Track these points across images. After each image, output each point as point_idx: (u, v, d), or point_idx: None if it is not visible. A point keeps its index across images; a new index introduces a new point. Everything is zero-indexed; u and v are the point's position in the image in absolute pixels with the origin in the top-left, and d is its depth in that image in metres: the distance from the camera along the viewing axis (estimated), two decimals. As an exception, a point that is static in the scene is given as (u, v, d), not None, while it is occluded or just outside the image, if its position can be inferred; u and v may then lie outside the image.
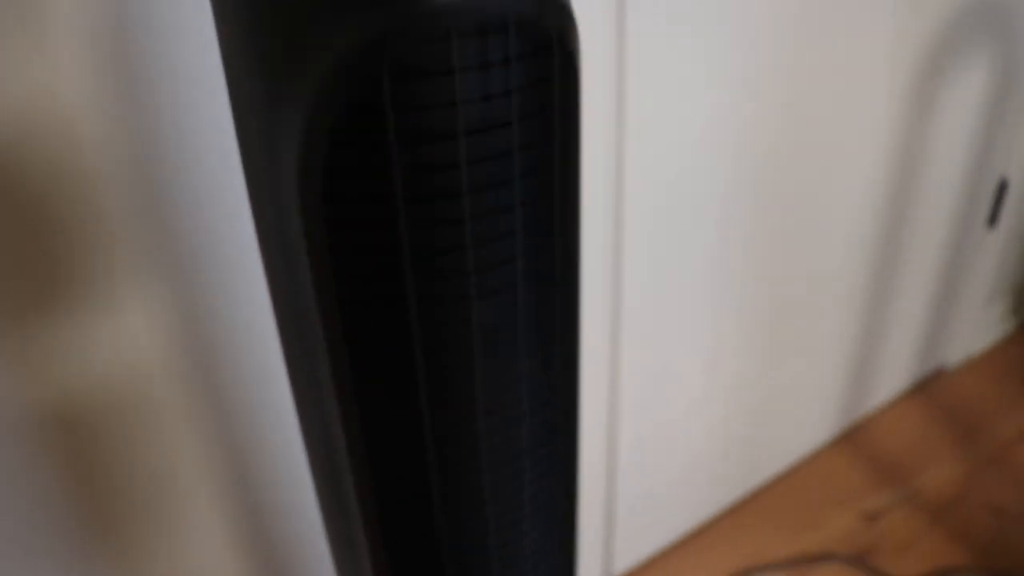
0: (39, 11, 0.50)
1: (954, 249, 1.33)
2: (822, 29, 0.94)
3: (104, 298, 0.59)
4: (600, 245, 0.87)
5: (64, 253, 0.56)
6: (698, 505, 1.19)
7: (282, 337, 0.42)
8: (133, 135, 0.56)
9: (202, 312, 0.63)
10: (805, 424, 1.29)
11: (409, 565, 0.41)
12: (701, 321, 1.01)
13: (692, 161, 0.88)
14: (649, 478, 1.09)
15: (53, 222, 0.55)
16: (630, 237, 0.88)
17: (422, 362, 0.34)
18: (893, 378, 1.40)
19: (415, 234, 0.32)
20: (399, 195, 0.31)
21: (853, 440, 1.36)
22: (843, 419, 1.35)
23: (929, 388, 1.46)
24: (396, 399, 0.35)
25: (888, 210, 1.17)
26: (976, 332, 1.49)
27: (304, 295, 0.35)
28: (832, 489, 1.27)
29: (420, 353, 0.34)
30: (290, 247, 0.34)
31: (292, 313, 0.38)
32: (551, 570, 0.45)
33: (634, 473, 1.07)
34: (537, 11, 0.31)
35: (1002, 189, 1.29)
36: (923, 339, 1.40)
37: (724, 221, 0.96)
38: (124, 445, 0.65)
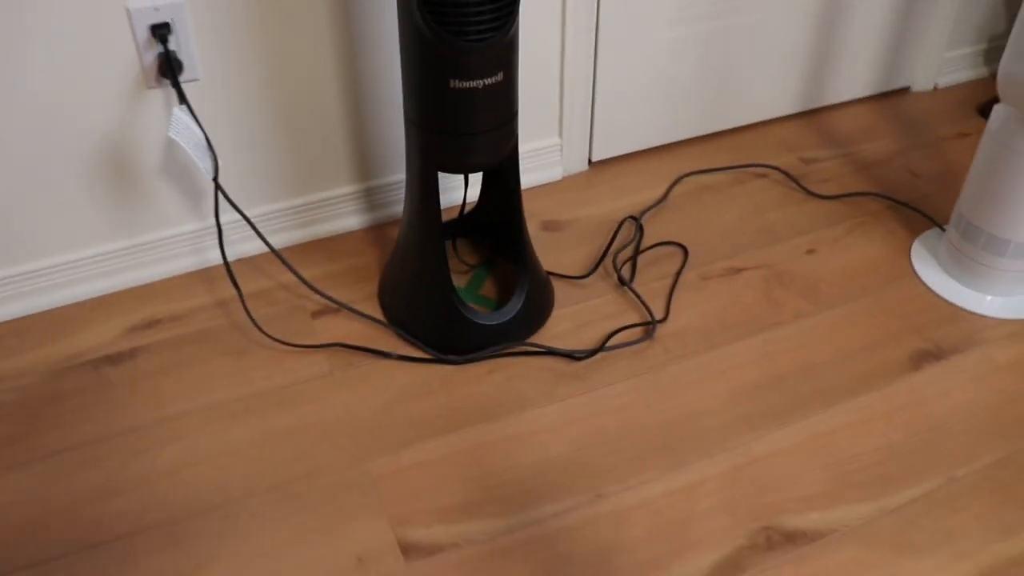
0: None
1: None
2: None
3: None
4: None
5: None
6: (666, 128, 1.63)
7: None
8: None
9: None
10: (770, 95, 1.69)
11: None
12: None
13: None
14: (624, 94, 1.53)
15: None
16: None
17: None
18: (857, 81, 1.77)
19: None
20: None
21: (810, 117, 1.76)
22: (805, 102, 1.74)
23: (891, 98, 1.83)
24: None
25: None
26: (947, 68, 1.84)
27: None
28: (781, 142, 1.68)
29: None
30: None
31: None
32: None
33: (611, 83, 1.50)
34: None
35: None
36: (889, 57, 1.75)
37: None
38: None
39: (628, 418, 1.16)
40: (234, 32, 1.19)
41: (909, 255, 1.42)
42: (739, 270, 1.40)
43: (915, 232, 1.47)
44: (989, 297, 1.34)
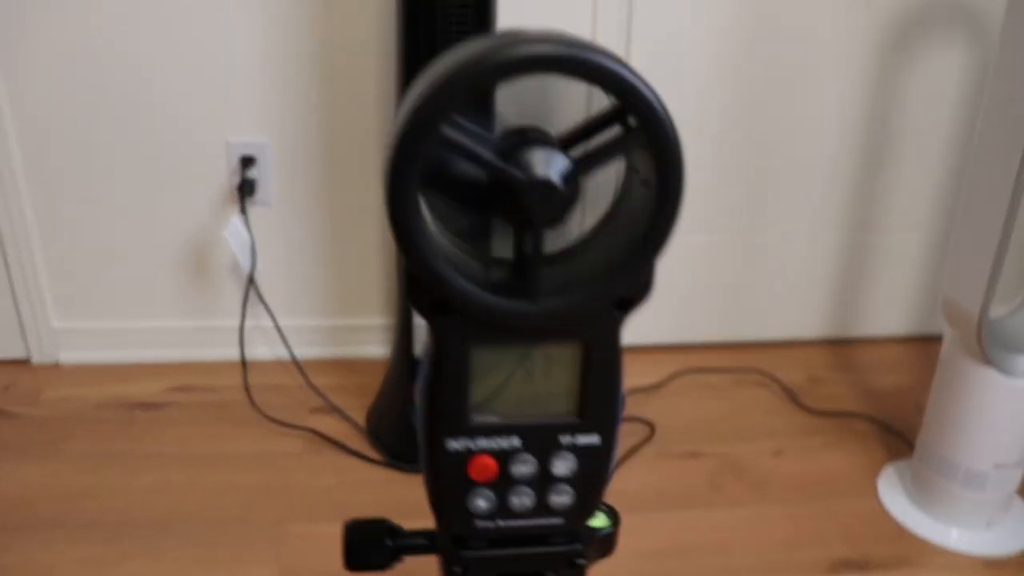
0: None
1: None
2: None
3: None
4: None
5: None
6: (681, 328, 1.80)
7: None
8: None
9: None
10: (792, 315, 1.81)
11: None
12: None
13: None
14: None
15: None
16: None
17: None
18: (892, 318, 1.84)
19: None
20: None
21: (837, 346, 1.82)
22: (833, 329, 1.84)
23: (933, 343, 1.85)
24: None
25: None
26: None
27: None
28: (797, 361, 1.77)
29: None
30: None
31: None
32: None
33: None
34: None
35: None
36: (923, 303, 1.80)
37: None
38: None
39: (526, 545, 1.28)
40: (304, 171, 1.57)
41: (877, 475, 1.44)
42: (697, 455, 1.49)
43: (895, 458, 1.48)
44: (940, 524, 1.32)
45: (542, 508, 0.47)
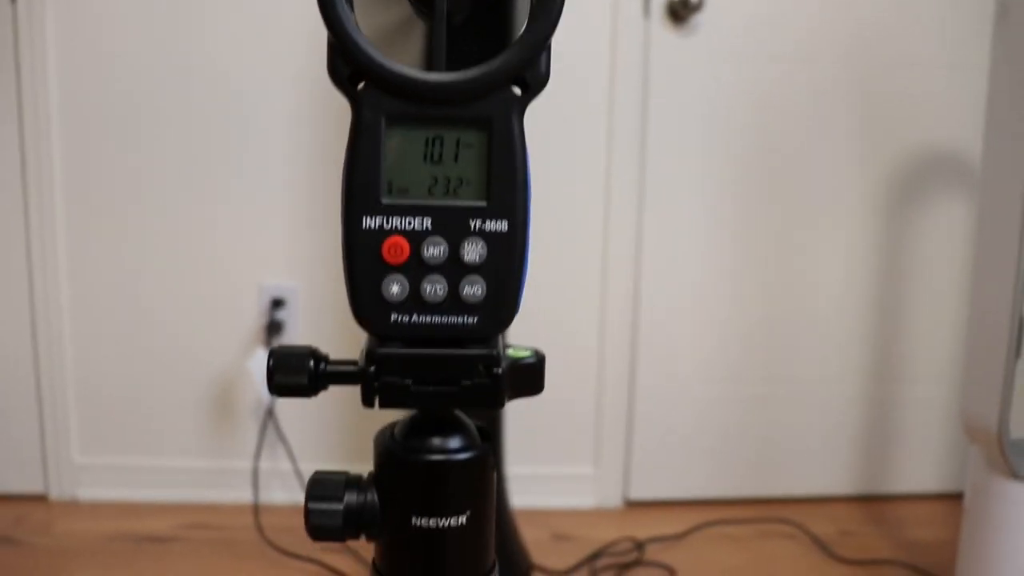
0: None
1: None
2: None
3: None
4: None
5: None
6: (707, 483, 1.74)
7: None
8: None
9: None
10: (821, 470, 1.75)
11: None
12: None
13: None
14: (662, 441, 1.72)
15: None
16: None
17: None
18: (924, 474, 1.77)
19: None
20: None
21: (869, 502, 1.72)
22: (863, 484, 1.76)
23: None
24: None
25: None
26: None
27: None
28: (828, 516, 1.67)
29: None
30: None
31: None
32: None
33: (648, 427, 1.71)
34: None
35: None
36: (956, 459, 1.73)
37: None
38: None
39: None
40: (332, 316, 1.64)
41: (918, 624, 1.32)
42: (721, 600, 1.39)
43: (937, 607, 1.37)
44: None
45: (455, 301, 0.48)
